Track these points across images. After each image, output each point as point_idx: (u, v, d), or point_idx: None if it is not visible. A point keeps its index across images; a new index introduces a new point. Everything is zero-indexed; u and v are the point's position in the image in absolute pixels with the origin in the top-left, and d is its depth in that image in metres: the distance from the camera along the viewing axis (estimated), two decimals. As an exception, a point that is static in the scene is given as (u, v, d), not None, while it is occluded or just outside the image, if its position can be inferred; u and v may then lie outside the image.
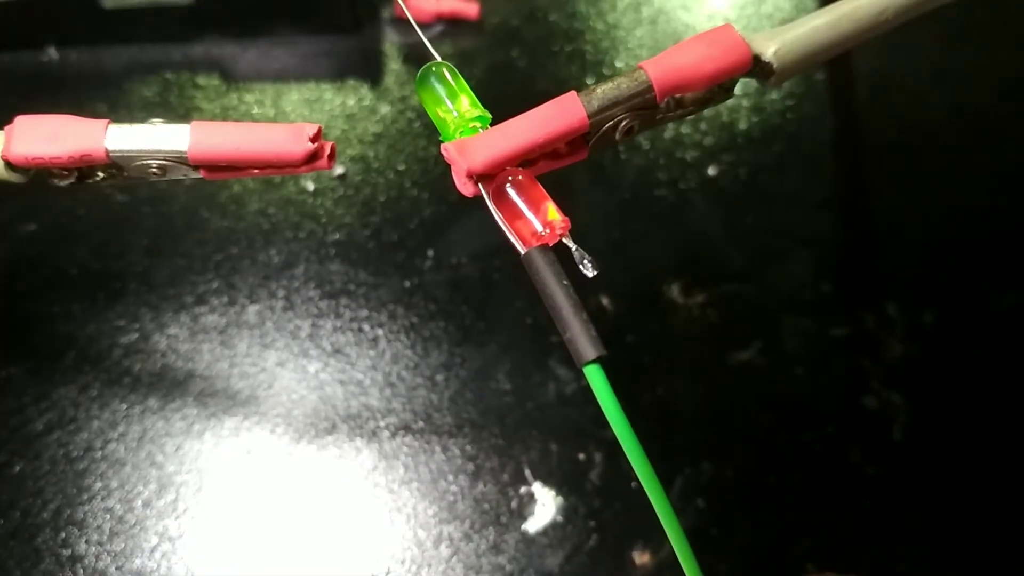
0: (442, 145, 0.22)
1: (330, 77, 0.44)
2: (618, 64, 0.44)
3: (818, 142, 0.44)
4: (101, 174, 0.24)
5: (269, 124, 0.23)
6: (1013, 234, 0.42)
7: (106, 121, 0.23)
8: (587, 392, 0.38)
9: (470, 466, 0.37)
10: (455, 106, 0.22)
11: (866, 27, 0.24)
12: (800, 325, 0.40)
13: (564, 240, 0.22)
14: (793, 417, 0.38)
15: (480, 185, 0.22)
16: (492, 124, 0.22)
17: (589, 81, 0.43)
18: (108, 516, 0.35)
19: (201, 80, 0.43)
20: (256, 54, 0.44)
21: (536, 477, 0.37)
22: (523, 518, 0.36)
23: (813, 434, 0.38)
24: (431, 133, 0.43)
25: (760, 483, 0.37)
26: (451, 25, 0.44)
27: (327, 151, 0.23)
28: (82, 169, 0.24)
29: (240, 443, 0.37)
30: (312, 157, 0.23)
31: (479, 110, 0.22)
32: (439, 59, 0.23)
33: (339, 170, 0.41)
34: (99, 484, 0.36)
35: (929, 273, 0.41)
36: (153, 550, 0.35)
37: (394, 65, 0.44)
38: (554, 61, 0.44)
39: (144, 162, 0.23)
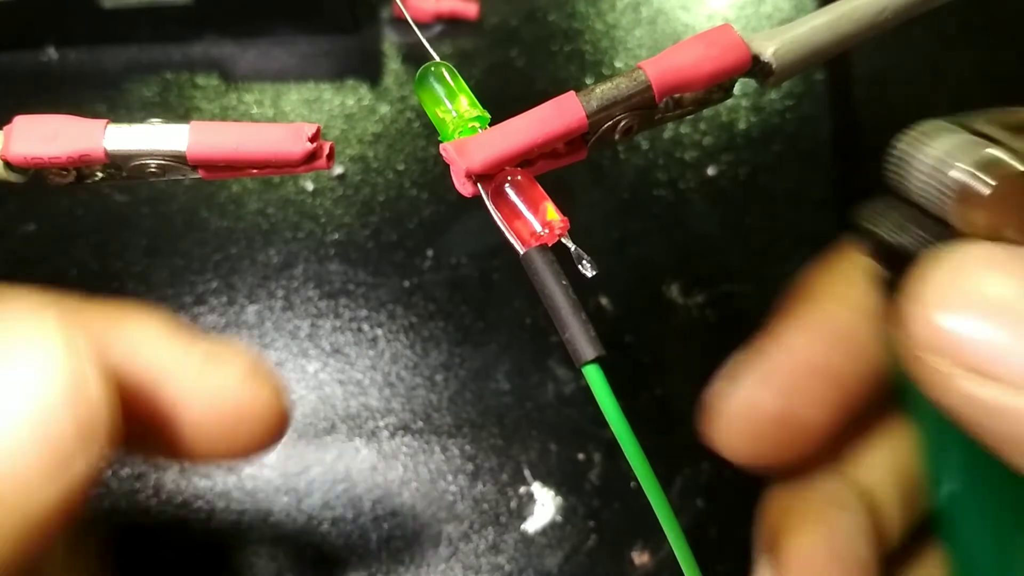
0: (441, 145, 0.22)
1: (329, 77, 0.44)
2: (617, 64, 0.44)
3: (817, 141, 0.44)
4: (100, 174, 0.24)
5: (268, 124, 0.23)
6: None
7: (105, 121, 0.23)
8: (586, 392, 0.38)
9: (469, 466, 0.37)
10: (454, 106, 0.22)
11: (865, 27, 0.24)
12: (799, 325, 0.40)
13: (563, 240, 0.22)
14: (792, 417, 0.38)
15: (479, 185, 0.22)
16: (491, 124, 0.22)
17: (588, 81, 0.43)
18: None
19: (200, 80, 0.43)
20: (255, 54, 0.44)
21: (535, 477, 0.37)
22: (522, 518, 0.36)
23: (812, 434, 0.38)
24: (430, 133, 0.43)
25: (759, 483, 0.37)
26: (450, 25, 0.44)
27: (326, 151, 0.23)
28: (81, 169, 0.24)
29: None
30: (311, 157, 0.23)
31: (478, 110, 0.22)
32: (438, 59, 0.23)
33: (338, 170, 0.41)
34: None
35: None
36: (149, 552, 0.35)
37: (393, 65, 0.44)
38: (553, 61, 0.44)
39: (143, 162, 0.23)
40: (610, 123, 0.22)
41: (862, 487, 0.26)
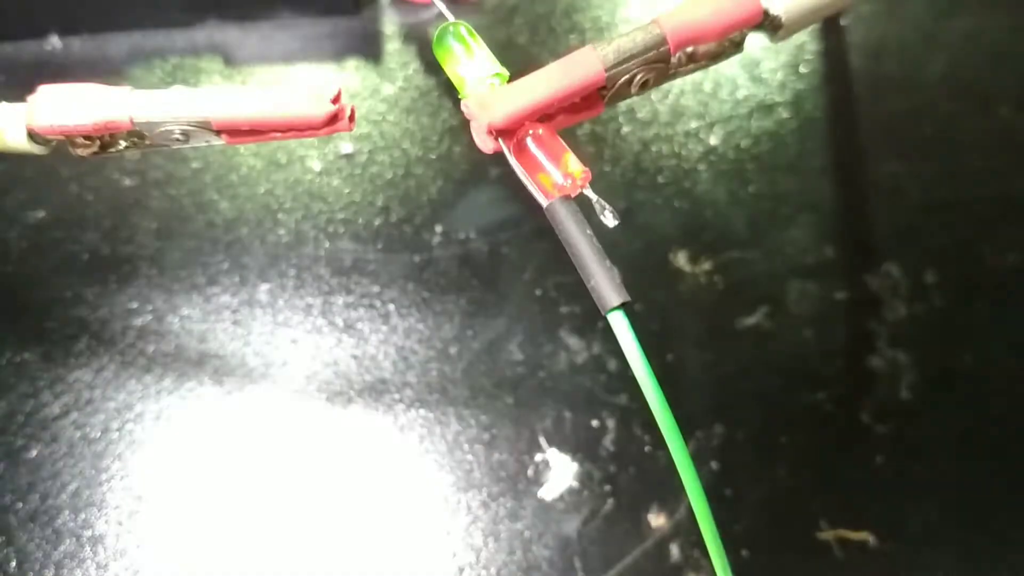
0: (462, 101, 0.22)
1: (332, 59, 0.44)
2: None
3: (817, 110, 0.44)
4: (123, 143, 0.24)
5: (290, 88, 0.23)
6: (1010, 195, 0.43)
7: (128, 88, 0.24)
8: (598, 360, 0.39)
9: (485, 435, 0.37)
10: (473, 63, 0.23)
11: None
12: (805, 289, 0.40)
13: (584, 192, 0.22)
14: (802, 379, 0.39)
15: (500, 140, 0.22)
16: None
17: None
18: (127, 495, 0.36)
19: (204, 64, 0.44)
20: (258, 38, 0.44)
21: (551, 444, 0.37)
22: (539, 485, 0.37)
23: (822, 395, 0.38)
24: (435, 111, 0.43)
25: (772, 444, 0.38)
26: (451, 4, 0.44)
27: (348, 112, 0.24)
28: (103, 138, 0.24)
29: (256, 420, 0.37)
30: (333, 119, 0.23)
31: (497, 67, 0.23)
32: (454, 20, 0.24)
33: (346, 149, 0.42)
34: (117, 464, 0.36)
35: (929, 235, 0.42)
36: (173, 527, 0.35)
37: (395, 45, 0.44)
38: (554, 37, 0.45)
39: (167, 128, 0.24)
40: (627, 77, 0.23)
41: None
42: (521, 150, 0.22)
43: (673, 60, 0.23)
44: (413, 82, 0.44)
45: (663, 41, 0.22)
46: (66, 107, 0.23)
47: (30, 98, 0.24)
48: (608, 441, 0.38)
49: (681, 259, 0.41)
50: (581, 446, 0.37)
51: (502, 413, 0.38)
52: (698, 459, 0.37)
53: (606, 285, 0.21)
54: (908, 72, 0.46)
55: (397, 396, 0.38)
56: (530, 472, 0.37)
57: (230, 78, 0.44)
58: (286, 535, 0.35)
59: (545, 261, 0.40)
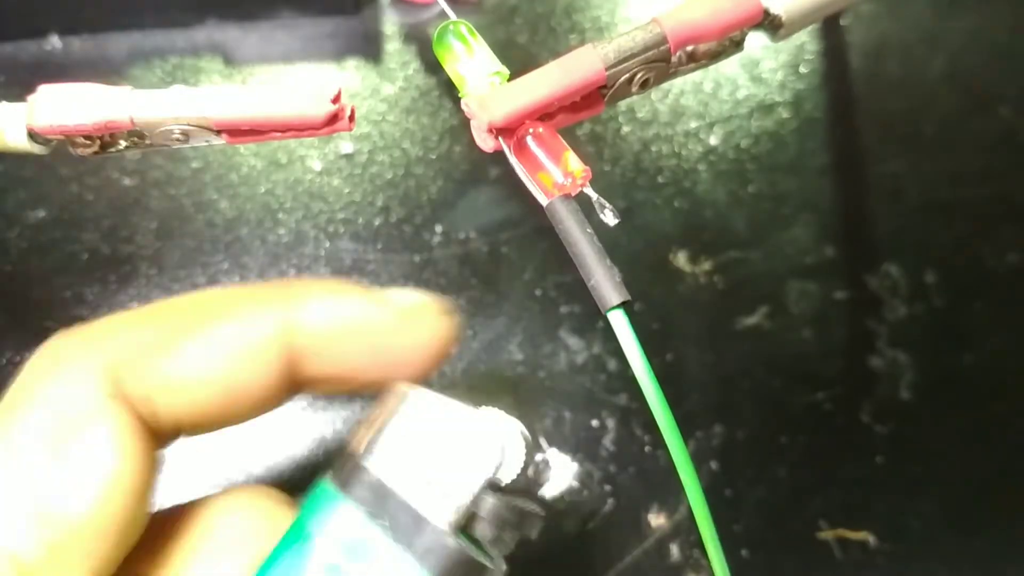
0: (462, 100, 0.22)
1: (332, 58, 0.44)
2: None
3: (817, 110, 0.44)
4: (124, 143, 0.24)
5: (291, 87, 0.23)
6: (1010, 195, 0.43)
7: (128, 87, 0.24)
8: (598, 360, 0.39)
9: (485, 435, 0.37)
10: (473, 62, 0.23)
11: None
12: (805, 289, 0.40)
13: (585, 191, 0.22)
14: (802, 379, 0.39)
15: (500, 139, 0.22)
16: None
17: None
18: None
19: (204, 64, 0.44)
20: (258, 37, 0.44)
21: (551, 444, 0.37)
22: (539, 484, 0.37)
23: (822, 395, 0.38)
24: (435, 111, 0.43)
25: (772, 444, 0.38)
26: (452, 3, 0.44)
27: (348, 112, 0.24)
28: (103, 138, 0.24)
29: (256, 420, 0.37)
30: (333, 119, 0.23)
31: (497, 65, 0.23)
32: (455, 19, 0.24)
33: (346, 149, 0.42)
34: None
35: (929, 235, 0.42)
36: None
37: (395, 45, 0.44)
38: (554, 37, 0.45)
39: (167, 128, 0.23)
40: (627, 76, 0.23)
41: None
42: (521, 149, 0.22)
43: (673, 59, 0.23)
44: (413, 82, 0.44)
45: (663, 40, 0.22)
46: (66, 107, 0.23)
47: (30, 98, 0.24)
48: (608, 441, 0.38)
49: (681, 259, 0.41)
50: (581, 446, 0.37)
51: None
52: (698, 459, 0.37)
53: (606, 284, 0.21)
54: (908, 72, 0.46)
55: (397, 396, 0.38)
56: (530, 472, 0.37)
57: (230, 78, 0.44)
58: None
59: (545, 261, 0.40)
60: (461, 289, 0.40)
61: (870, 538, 0.36)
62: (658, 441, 0.37)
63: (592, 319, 0.39)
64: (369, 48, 0.44)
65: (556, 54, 0.44)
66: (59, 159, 0.41)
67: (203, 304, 0.22)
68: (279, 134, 0.24)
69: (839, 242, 0.42)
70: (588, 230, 0.21)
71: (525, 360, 0.39)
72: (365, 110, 0.43)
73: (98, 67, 0.44)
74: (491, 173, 0.42)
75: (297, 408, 0.37)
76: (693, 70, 0.24)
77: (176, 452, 0.22)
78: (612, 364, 0.38)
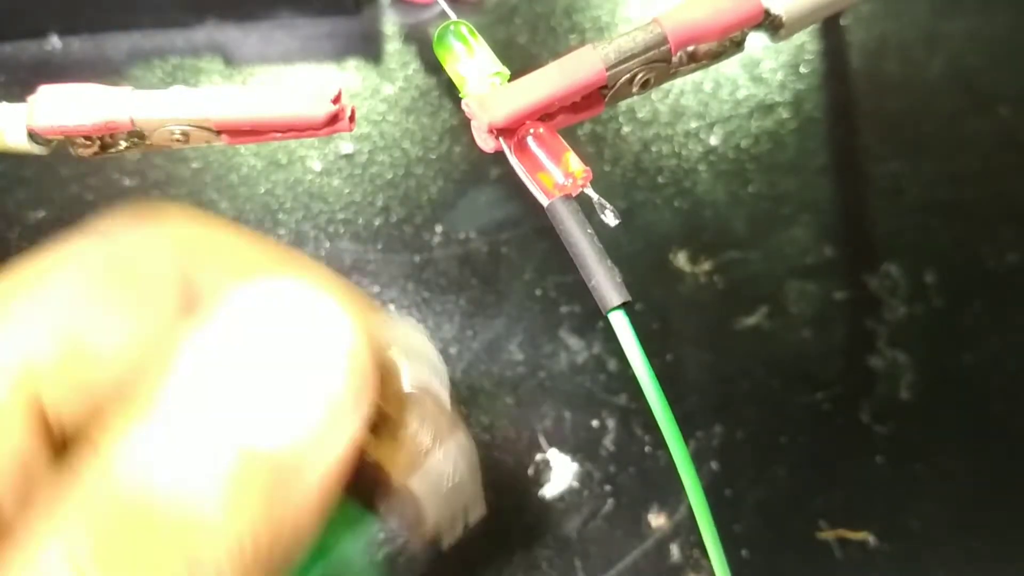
0: (463, 100, 0.22)
1: (332, 59, 0.44)
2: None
3: (817, 110, 0.44)
4: (124, 143, 0.24)
5: (291, 88, 0.23)
6: (1010, 195, 0.43)
7: (128, 88, 0.24)
8: (598, 360, 0.39)
9: (486, 436, 0.37)
10: (474, 62, 0.23)
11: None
12: (805, 289, 0.40)
13: (585, 191, 0.22)
14: (801, 379, 0.39)
15: (501, 139, 0.22)
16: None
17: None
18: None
19: (204, 64, 0.44)
20: (258, 38, 0.44)
21: (551, 444, 0.37)
22: (540, 484, 0.37)
23: (822, 395, 0.38)
24: (435, 111, 0.43)
25: (772, 444, 0.38)
26: (452, 3, 0.44)
27: (348, 112, 0.23)
28: (103, 138, 0.24)
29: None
30: (333, 119, 0.23)
31: (497, 66, 0.23)
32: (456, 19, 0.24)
33: (346, 149, 0.42)
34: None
35: (929, 235, 0.42)
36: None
37: (395, 45, 0.44)
38: (555, 37, 0.45)
39: (167, 128, 0.23)
40: (627, 76, 0.23)
41: None
42: (522, 149, 0.22)
43: (674, 59, 0.23)
44: (413, 82, 0.44)
45: (664, 40, 0.22)
46: (66, 107, 0.23)
47: (30, 98, 0.24)
48: (608, 441, 0.38)
49: (681, 259, 0.41)
50: (581, 446, 0.37)
51: (502, 413, 0.38)
52: (698, 459, 0.37)
53: (607, 284, 0.21)
54: (908, 72, 0.46)
55: (397, 396, 0.38)
56: (531, 472, 0.37)
57: (230, 78, 0.44)
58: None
59: (545, 261, 0.40)
60: (461, 289, 0.40)
61: (870, 538, 0.36)
62: (658, 441, 0.37)
63: (592, 319, 0.39)
64: (369, 48, 0.44)
65: (556, 54, 0.44)
66: (59, 159, 0.41)
67: None
68: (279, 135, 0.24)
69: (839, 242, 0.42)
70: (589, 230, 0.21)
71: (525, 360, 0.39)
72: (365, 110, 0.43)
73: (98, 67, 0.44)
74: (491, 173, 0.42)
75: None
76: (694, 70, 0.24)
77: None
78: (612, 364, 0.38)
